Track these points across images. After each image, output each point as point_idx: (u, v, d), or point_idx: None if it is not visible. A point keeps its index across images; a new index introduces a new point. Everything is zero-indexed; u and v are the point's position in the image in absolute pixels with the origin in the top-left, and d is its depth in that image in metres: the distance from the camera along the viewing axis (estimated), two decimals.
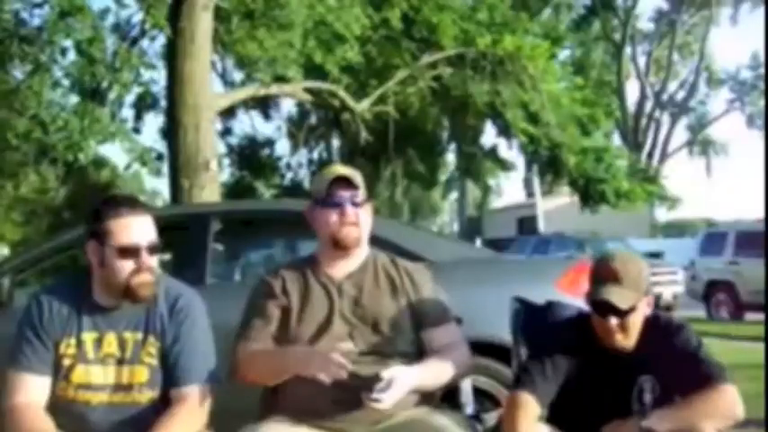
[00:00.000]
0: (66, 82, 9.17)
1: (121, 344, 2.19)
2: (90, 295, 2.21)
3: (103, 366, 2.18)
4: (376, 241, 4.06)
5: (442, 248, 4.16)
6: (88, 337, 2.18)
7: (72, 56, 9.14)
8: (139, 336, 2.20)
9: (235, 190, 15.73)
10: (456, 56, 11.81)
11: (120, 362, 2.19)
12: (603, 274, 2.31)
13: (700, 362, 2.26)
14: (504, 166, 21.10)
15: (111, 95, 9.51)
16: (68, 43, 9.01)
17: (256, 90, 11.05)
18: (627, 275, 2.28)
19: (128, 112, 11.78)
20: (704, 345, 2.32)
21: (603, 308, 2.28)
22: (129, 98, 11.20)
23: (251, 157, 16.79)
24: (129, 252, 2.13)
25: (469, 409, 3.68)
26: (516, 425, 2.22)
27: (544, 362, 2.35)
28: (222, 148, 15.88)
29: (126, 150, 9.35)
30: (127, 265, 2.13)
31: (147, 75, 9.84)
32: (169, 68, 9.48)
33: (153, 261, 2.18)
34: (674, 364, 2.29)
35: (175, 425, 2.15)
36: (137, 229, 2.14)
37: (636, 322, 2.31)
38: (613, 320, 2.28)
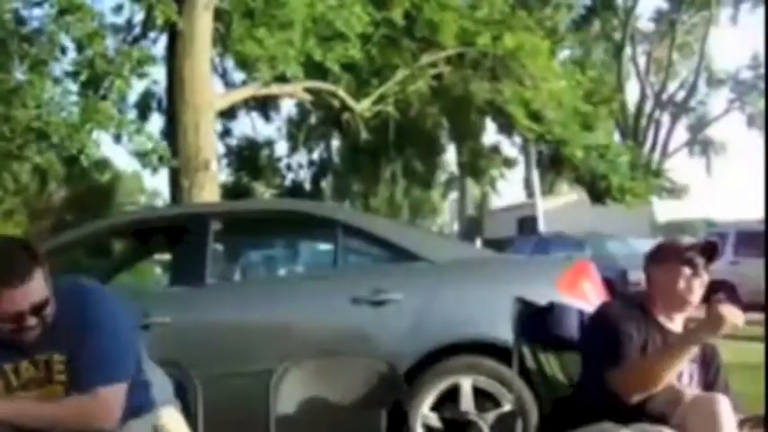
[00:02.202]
0: (66, 80, 9.17)
1: (36, 367, 2.22)
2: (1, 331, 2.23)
3: (27, 392, 2.22)
4: (376, 241, 4.09)
5: (442, 248, 4.16)
6: (8, 368, 2.22)
7: (72, 54, 9.15)
8: (47, 356, 2.22)
9: (233, 191, 15.71)
10: (456, 55, 11.81)
11: (39, 384, 2.23)
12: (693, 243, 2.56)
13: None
14: (507, 162, 21.09)
15: (113, 94, 9.46)
16: (68, 41, 9.01)
17: (256, 90, 11.04)
18: None
19: (131, 114, 11.75)
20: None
21: (693, 262, 2.51)
22: (133, 98, 11.19)
23: (249, 158, 16.77)
24: (7, 319, 2.13)
25: (470, 408, 3.69)
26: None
27: (625, 332, 2.46)
28: (221, 149, 15.84)
29: (132, 140, 9.20)
30: (7, 326, 2.14)
31: (149, 69, 9.68)
32: (169, 68, 9.48)
33: (33, 321, 2.14)
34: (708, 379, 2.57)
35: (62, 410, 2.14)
36: (6, 303, 2.11)
37: (701, 292, 2.56)
38: (697, 277, 2.51)
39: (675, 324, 2.56)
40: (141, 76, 9.77)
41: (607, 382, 2.41)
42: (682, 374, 2.53)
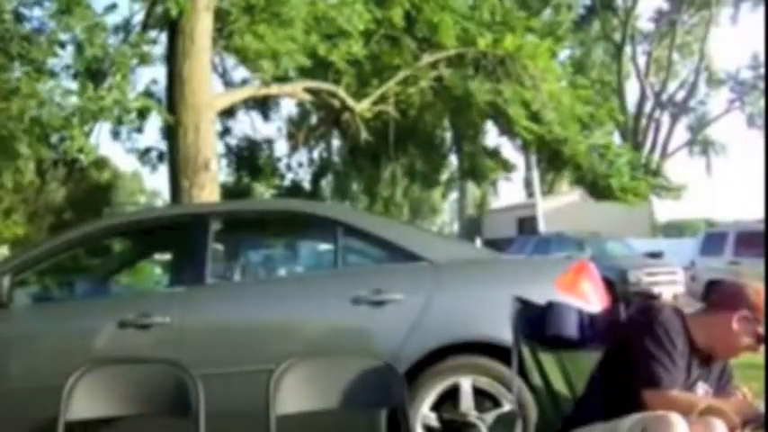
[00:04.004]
0: (64, 75, 9.15)
1: None
2: None
3: None
4: (376, 241, 4.09)
5: (442, 248, 4.16)
6: None
7: (71, 50, 9.14)
8: None
9: (233, 191, 15.71)
10: (456, 55, 11.80)
11: None
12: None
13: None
14: (506, 166, 21.09)
15: (113, 91, 9.41)
16: (67, 38, 8.99)
17: (256, 90, 11.04)
18: None
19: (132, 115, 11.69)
20: None
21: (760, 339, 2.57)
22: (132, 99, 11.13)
23: (249, 158, 16.76)
24: None
25: (470, 409, 3.69)
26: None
27: (672, 351, 2.52)
28: (221, 149, 15.84)
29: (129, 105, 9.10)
30: None
31: (149, 72, 9.65)
32: (169, 68, 9.47)
33: None
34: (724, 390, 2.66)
35: None
36: None
37: None
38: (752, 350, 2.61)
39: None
40: (143, 59, 9.63)
41: (643, 397, 2.45)
42: (696, 389, 2.55)
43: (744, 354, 2.68)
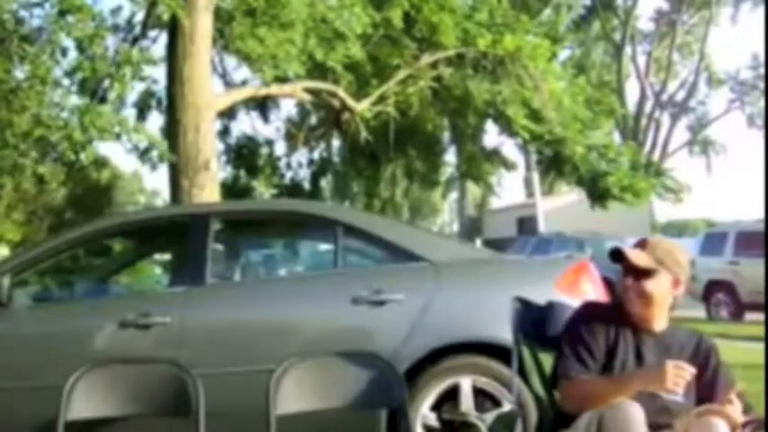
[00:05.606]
0: (66, 82, 9.14)
1: None
2: None
3: None
4: (376, 241, 4.09)
5: (443, 248, 4.16)
6: None
7: (73, 55, 9.13)
8: None
9: (233, 190, 15.69)
10: (456, 55, 11.80)
11: None
12: (637, 243, 2.52)
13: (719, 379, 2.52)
14: (506, 164, 21.09)
15: (112, 95, 9.42)
16: (69, 42, 8.98)
17: (256, 90, 11.03)
18: (655, 247, 2.47)
19: (130, 113, 11.70)
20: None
21: (618, 260, 2.46)
22: (132, 97, 11.14)
23: (249, 156, 16.74)
24: None
25: (470, 409, 3.69)
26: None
27: (581, 340, 2.48)
28: (220, 147, 15.82)
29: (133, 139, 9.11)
30: None
31: (148, 71, 9.59)
32: (169, 68, 9.46)
33: None
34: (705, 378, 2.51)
35: None
36: None
37: (657, 295, 2.46)
38: (629, 281, 2.45)
39: (656, 322, 2.53)
40: (142, 79, 9.70)
41: (558, 393, 2.46)
42: None
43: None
